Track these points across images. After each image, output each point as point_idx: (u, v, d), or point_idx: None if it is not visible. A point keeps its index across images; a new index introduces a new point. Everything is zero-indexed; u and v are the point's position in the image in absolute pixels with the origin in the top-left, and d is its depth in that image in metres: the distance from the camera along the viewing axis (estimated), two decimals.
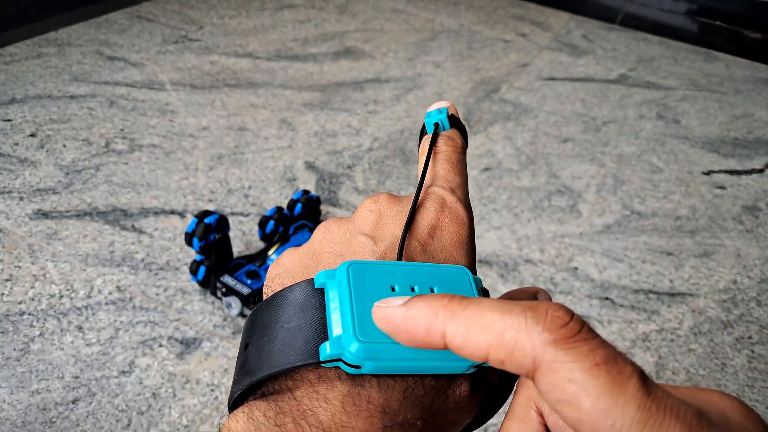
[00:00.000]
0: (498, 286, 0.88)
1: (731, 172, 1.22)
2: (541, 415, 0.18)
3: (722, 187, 1.17)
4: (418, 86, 1.38)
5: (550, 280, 0.91)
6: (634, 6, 2.00)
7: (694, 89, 1.52)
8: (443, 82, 1.42)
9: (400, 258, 0.19)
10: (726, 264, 0.98)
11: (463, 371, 0.17)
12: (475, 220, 1.01)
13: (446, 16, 1.78)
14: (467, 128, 1.24)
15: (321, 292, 0.18)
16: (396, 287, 0.18)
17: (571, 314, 0.14)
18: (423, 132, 0.27)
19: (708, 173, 1.21)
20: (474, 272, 0.21)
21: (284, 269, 0.21)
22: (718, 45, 1.79)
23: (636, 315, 0.87)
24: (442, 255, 0.21)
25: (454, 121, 0.27)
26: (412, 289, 0.18)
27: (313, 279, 0.19)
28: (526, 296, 0.23)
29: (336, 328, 0.17)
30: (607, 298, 0.89)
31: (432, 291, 0.18)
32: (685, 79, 1.57)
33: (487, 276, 0.90)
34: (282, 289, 0.19)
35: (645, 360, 0.80)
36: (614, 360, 0.13)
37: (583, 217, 1.04)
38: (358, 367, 0.16)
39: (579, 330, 0.14)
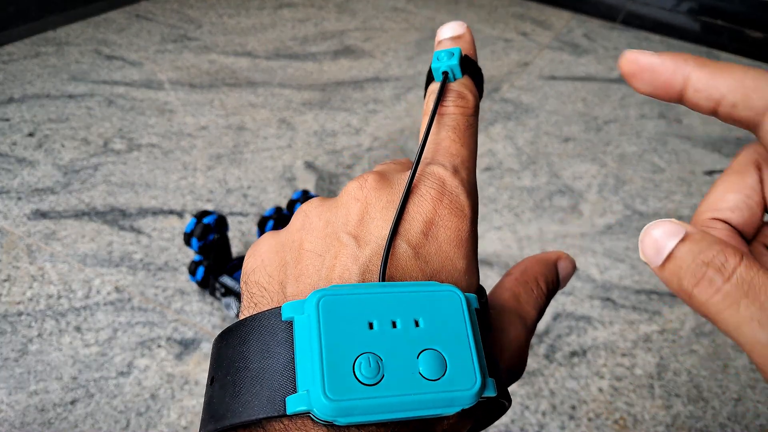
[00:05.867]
0: None
1: None
2: (759, 168, 0.18)
3: None
4: (419, 85, 1.38)
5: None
6: (636, 5, 2.00)
7: None
8: None
9: (383, 278, 0.17)
10: None
11: (450, 414, 0.16)
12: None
13: (447, 14, 1.78)
14: None
15: (289, 325, 0.16)
16: (374, 322, 0.16)
17: None
18: (429, 78, 0.22)
19: (710, 173, 1.20)
20: (475, 274, 0.19)
21: (260, 263, 0.19)
22: (720, 44, 1.79)
23: (637, 316, 0.86)
24: (437, 258, 0.18)
25: (468, 65, 0.21)
26: (394, 324, 0.16)
27: (280, 309, 0.16)
28: (542, 266, 0.21)
29: (303, 379, 0.15)
30: (608, 299, 0.88)
31: (417, 324, 0.16)
32: None
33: (488, 277, 0.90)
34: (247, 318, 0.17)
35: (646, 361, 0.79)
36: None
37: (585, 217, 1.04)
38: (330, 422, 0.15)
39: None
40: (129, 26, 1.48)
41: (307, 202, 0.20)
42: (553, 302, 0.87)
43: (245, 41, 1.48)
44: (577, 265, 0.94)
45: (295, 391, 0.15)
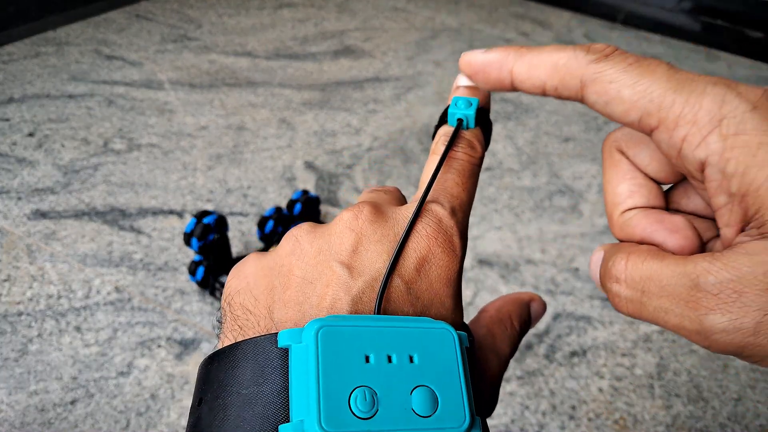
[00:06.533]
0: (499, 287, 0.88)
1: None
2: (622, 152, 0.20)
3: None
4: (419, 85, 1.38)
5: (552, 280, 0.90)
6: (636, 5, 2.00)
7: None
8: (444, 81, 1.41)
9: (379, 310, 0.17)
10: None
11: None
12: (476, 220, 1.00)
13: (447, 14, 1.78)
14: None
15: (285, 352, 0.16)
16: (371, 356, 0.16)
17: (612, 46, 0.18)
18: (442, 120, 0.23)
19: None
20: (461, 314, 0.19)
21: (246, 285, 0.19)
22: (720, 44, 1.79)
23: None
24: (428, 295, 0.18)
25: (482, 117, 0.23)
26: (389, 359, 0.16)
27: (276, 335, 0.16)
28: (516, 306, 0.22)
29: (298, 408, 0.15)
30: (608, 299, 0.88)
31: (411, 359, 0.16)
32: None
33: (488, 277, 0.90)
34: (241, 342, 0.17)
35: (646, 361, 0.79)
36: (644, 58, 0.17)
37: (585, 217, 1.04)
38: None
39: (615, 50, 0.17)
40: (129, 26, 1.48)
41: (297, 227, 0.19)
42: (553, 302, 0.87)
43: (245, 41, 1.48)
44: (578, 265, 0.94)
45: (288, 419, 0.15)
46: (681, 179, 0.20)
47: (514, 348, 0.21)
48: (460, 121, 0.22)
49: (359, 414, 0.15)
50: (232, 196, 0.99)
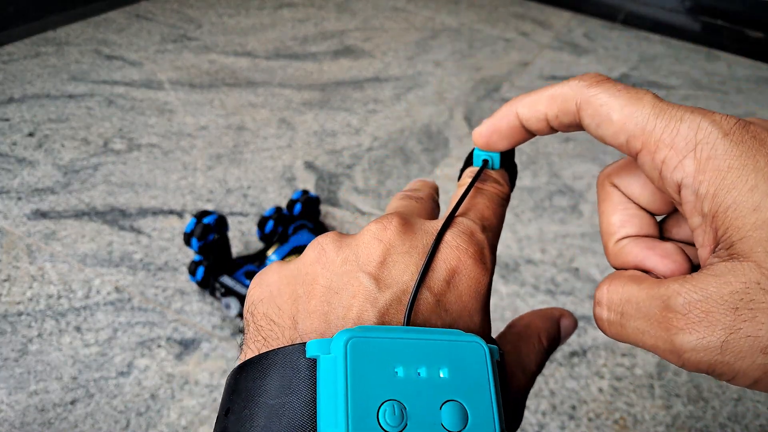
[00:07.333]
0: (499, 287, 0.88)
1: None
2: (615, 185, 0.22)
3: None
4: (419, 85, 1.38)
5: (552, 280, 0.90)
6: (636, 5, 2.00)
7: (696, 88, 1.51)
8: (444, 81, 1.42)
9: (408, 322, 0.17)
10: None
11: None
12: None
13: (447, 14, 1.78)
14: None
15: (313, 362, 0.16)
16: (400, 369, 0.16)
17: (604, 76, 0.19)
18: (468, 161, 0.24)
19: None
20: (489, 329, 0.19)
21: (269, 294, 0.19)
22: (720, 44, 1.79)
23: None
24: (457, 308, 0.18)
25: (507, 160, 0.23)
26: (419, 372, 0.16)
27: (304, 345, 0.16)
28: (545, 322, 0.22)
29: (326, 420, 0.15)
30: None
31: (440, 374, 0.16)
32: (687, 78, 1.56)
33: None
34: (270, 351, 0.17)
35: (646, 361, 0.79)
36: (632, 87, 0.18)
37: (585, 217, 1.04)
38: None
39: (607, 78, 0.19)
40: (129, 26, 1.48)
41: (323, 235, 0.19)
42: (553, 302, 0.87)
43: (245, 41, 1.48)
44: (578, 265, 0.94)
45: (315, 431, 0.15)
46: (672, 210, 0.21)
47: (541, 364, 0.21)
48: (485, 161, 0.23)
49: (388, 428, 0.15)
50: (232, 196, 0.99)
